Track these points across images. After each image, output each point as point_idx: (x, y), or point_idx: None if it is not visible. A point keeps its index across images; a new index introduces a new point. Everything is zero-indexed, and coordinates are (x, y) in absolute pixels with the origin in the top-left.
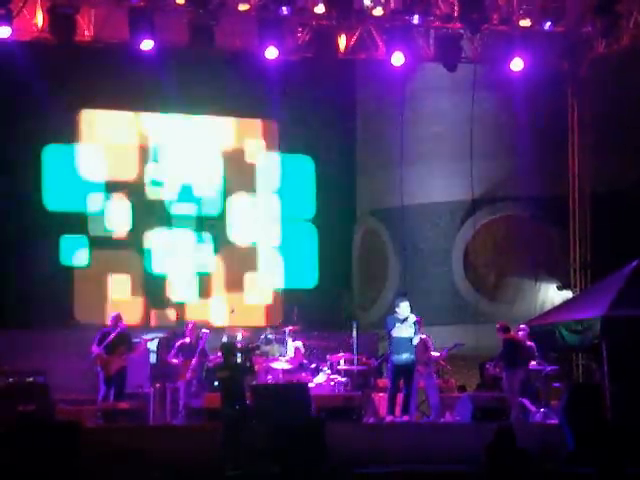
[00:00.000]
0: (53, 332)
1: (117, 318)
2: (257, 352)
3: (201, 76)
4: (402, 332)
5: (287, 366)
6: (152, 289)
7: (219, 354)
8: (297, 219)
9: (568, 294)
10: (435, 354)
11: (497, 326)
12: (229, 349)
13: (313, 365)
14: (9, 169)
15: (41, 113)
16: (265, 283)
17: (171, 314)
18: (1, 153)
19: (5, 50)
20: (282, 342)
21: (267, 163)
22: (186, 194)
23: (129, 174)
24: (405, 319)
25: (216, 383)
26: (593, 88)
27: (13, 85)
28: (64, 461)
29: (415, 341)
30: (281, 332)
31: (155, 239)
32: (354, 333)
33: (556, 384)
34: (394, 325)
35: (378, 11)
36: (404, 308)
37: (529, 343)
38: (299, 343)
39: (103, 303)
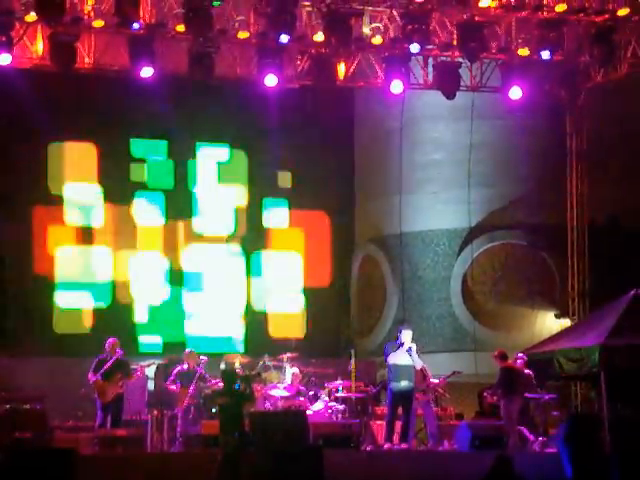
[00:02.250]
0: (51, 359)
1: (114, 345)
2: (257, 379)
3: (199, 103)
4: (399, 359)
5: (285, 393)
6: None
7: (217, 381)
8: None
9: (566, 322)
10: (434, 381)
11: (495, 354)
12: (230, 376)
13: (311, 392)
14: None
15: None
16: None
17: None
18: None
19: (5, 77)
20: (280, 369)
21: None
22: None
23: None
24: (400, 346)
25: (214, 410)
26: (591, 117)
27: (12, 112)
28: None
29: (418, 366)
30: (279, 359)
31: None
32: (352, 360)
33: (555, 413)
34: (390, 352)
35: (377, 39)
36: (405, 336)
37: (527, 371)
38: (296, 370)
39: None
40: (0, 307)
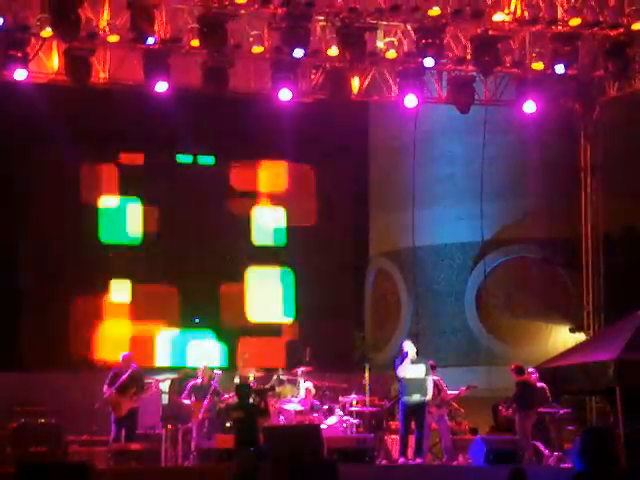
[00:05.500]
0: (65, 373)
1: (128, 358)
2: (271, 393)
3: (214, 118)
4: (408, 372)
5: (299, 407)
6: None
7: (231, 395)
8: None
9: (581, 337)
10: (451, 392)
11: (512, 367)
12: (244, 390)
13: (325, 406)
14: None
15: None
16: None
17: None
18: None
19: (21, 92)
20: (294, 383)
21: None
22: None
23: None
24: (405, 358)
25: (228, 424)
26: (605, 130)
27: (28, 126)
28: None
29: (428, 383)
30: (293, 373)
31: None
32: (366, 374)
33: (570, 427)
34: (397, 366)
35: (391, 54)
36: (407, 347)
37: (540, 384)
38: (309, 384)
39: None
40: (16, 322)
